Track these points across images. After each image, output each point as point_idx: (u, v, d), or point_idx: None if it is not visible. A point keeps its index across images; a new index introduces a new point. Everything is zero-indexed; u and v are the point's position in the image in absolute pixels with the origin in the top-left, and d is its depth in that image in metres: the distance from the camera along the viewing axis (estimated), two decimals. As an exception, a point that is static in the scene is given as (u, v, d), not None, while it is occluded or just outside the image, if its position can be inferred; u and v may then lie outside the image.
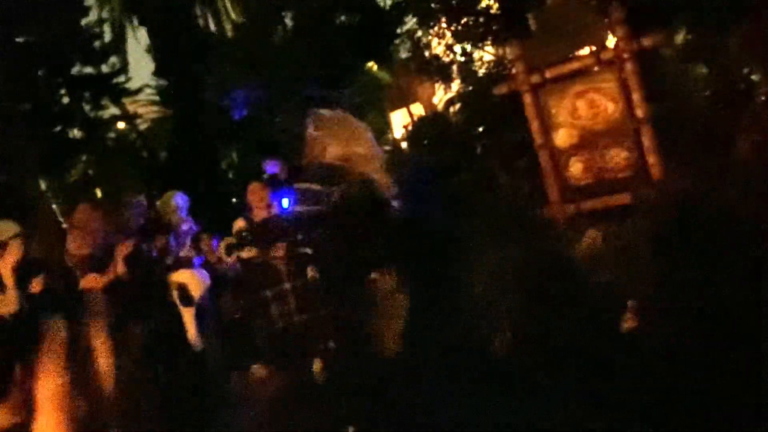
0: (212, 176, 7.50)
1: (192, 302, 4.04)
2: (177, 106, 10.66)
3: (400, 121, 6.68)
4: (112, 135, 11.37)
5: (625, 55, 3.93)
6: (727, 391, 2.29)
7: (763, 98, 3.23)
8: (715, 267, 2.88)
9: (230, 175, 7.57)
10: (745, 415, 2.20)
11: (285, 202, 4.38)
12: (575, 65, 4.14)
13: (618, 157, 3.86)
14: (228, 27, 8.47)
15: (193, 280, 4.11)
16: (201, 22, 9.92)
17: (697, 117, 3.61)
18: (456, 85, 6.28)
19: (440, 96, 6.70)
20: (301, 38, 6.54)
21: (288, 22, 6.64)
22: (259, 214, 4.24)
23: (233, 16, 8.42)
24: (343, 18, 6.63)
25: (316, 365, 4.14)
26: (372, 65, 7.22)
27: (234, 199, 7.01)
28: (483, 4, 6.00)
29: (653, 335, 2.64)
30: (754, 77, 3.39)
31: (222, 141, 8.48)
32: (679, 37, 3.71)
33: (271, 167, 4.85)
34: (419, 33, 6.42)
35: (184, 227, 4.31)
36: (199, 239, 4.67)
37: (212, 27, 9.77)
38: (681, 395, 2.31)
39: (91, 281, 3.52)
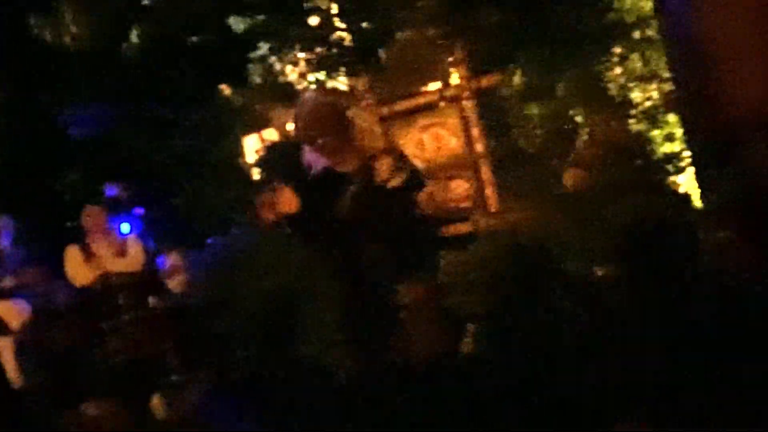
0: (46, 199, 6.98)
1: (7, 333, 3.71)
2: (10, 122, 9.88)
3: (252, 146, 6.59)
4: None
5: (467, 93, 4.19)
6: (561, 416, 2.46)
7: (586, 137, 3.55)
8: (546, 291, 3.10)
9: (66, 198, 7.09)
10: None
11: (125, 227, 4.18)
12: (421, 100, 4.35)
13: (459, 188, 4.08)
14: (68, 40, 7.99)
15: (9, 310, 3.78)
16: (36, 32, 9.29)
17: (531, 153, 3.88)
18: (309, 112, 6.32)
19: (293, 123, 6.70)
20: (150, 56, 6.29)
21: (135, 38, 6.37)
22: (96, 240, 4.02)
23: (74, 29, 7.93)
24: (194, 39, 6.47)
25: (156, 401, 3.95)
26: (224, 88, 7.08)
27: (69, 224, 6.55)
28: (336, 36, 6.13)
29: (487, 359, 2.78)
30: (578, 119, 3.71)
31: (59, 161, 7.93)
32: (517, 79, 3.98)
33: (110, 189, 4.61)
34: (273, 59, 6.42)
35: (10, 253, 3.99)
36: (27, 266, 4.32)
37: (50, 39, 9.18)
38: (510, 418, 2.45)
39: None
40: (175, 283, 4.21)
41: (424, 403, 2.72)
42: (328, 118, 3.10)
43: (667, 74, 3.94)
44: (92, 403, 4.28)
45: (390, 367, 2.81)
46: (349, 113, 3.28)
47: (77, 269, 4.03)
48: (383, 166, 3.14)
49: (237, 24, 6.37)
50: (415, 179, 3.19)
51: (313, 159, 3.31)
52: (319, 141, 2.99)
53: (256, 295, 3.95)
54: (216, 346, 4.28)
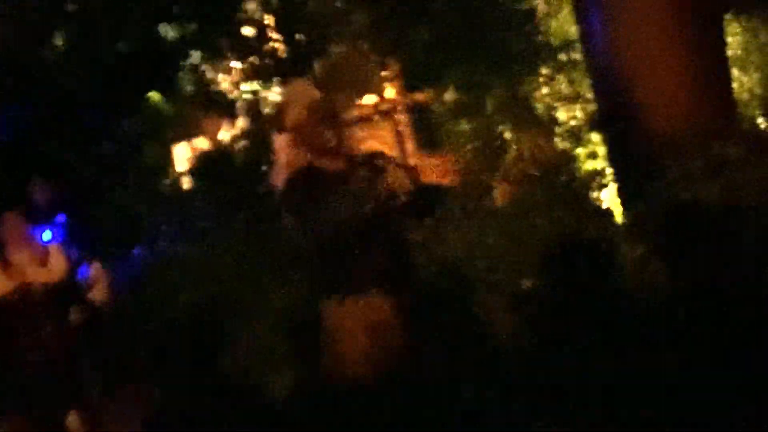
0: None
1: None
2: None
3: (182, 155, 6.48)
4: None
5: (400, 107, 4.27)
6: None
7: (514, 154, 3.68)
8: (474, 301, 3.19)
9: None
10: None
11: (46, 235, 4.01)
12: (356, 113, 4.40)
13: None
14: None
15: None
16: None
17: (462, 167, 3.97)
18: (241, 122, 6.27)
19: (226, 132, 6.63)
20: (75, 60, 6.10)
21: (59, 42, 6.18)
22: (15, 249, 3.83)
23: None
24: (122, 45, 6.32)
25: (71, 418, 3.80)
26: (154, 96, 6.93)
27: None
28: (270, 46, 6.11)
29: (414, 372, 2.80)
30: (507, 135, 3.84)
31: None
32: (448, 95, 4.09)
33: (38, 193, 4.43)
34: (205, 67, 6.34)
35: None
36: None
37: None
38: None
39: None
40: (97, 295, 4.07)
41: (354, 422, 2.73)
42: (326, 111, 2.94)
43: (590, 95, 4.12)
44: (4, 420, 4.08)
45: (321, 384, 2.81)
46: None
47: (-6, 279, 3.82)
48: (396, 180, 2.97)
49: (167, 32, 6.27)
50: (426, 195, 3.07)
51: (289, 151, 3.09)
52: (311, 134, 2.77)
53: (182, 308, 3.88)
54: (139, 361, 4.17)
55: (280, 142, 3.34)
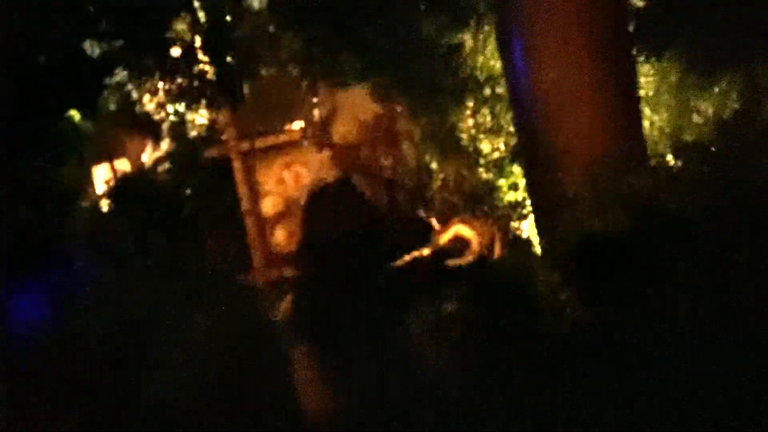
0: None
1: None
2: None
3: (102, 176, 6.29)
4: None
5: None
6: None
7: (437, 184, 3.76)
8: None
9: None
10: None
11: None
12: (283, 138, 4.40)
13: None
14: None
15: None
16: None
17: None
18: (166, 144, 6.15)
19: (149, 153, 6.49)
20: (-9, 74, 5.87)
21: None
22: None
23: None
24: (42, 59, 6.12)
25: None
26: (74, 114, 6.72)
27: None
28: (198, 67, 6.05)
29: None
30: (432, 165, 3.92)
31: None
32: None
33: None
34: (129, 86, 6.20)
35: None
36: None
37: None
38: None
39: None
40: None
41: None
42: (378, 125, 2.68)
43: (512, 128, 4.26)
44: None
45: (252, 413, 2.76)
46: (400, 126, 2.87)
47: None
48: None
49: (93, 48, 6.13)
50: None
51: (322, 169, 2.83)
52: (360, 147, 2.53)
53: (100, 330, 3.73)
54: (55, 386, 3.98)
55: (316, 159, 3.07)
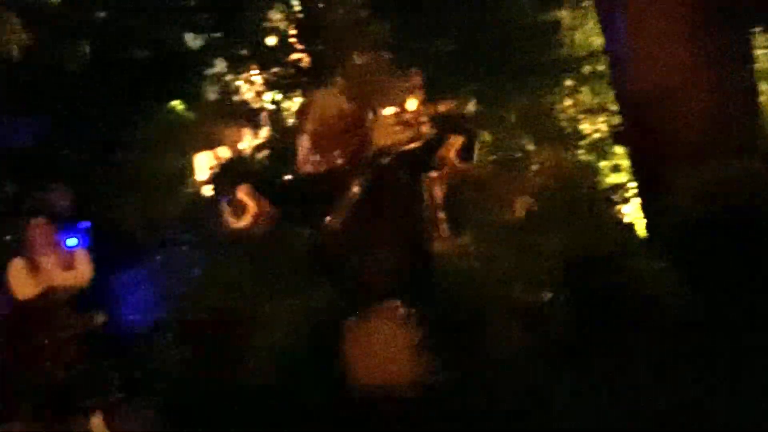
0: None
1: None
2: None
3: (203, 164, 6.52)
4: None
5: (422, 119, 4.24)
6: None
7: (535, 167, 3.63)
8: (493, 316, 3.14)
9: (3, 210, 6.87)
10: None
11: (71, 241, 4.06)
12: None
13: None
14: (15, 48, 7.79)
15: None
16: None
17: (482, 180, 3.94)
18: (264, 132, 6.30)
19: (247, 141, 6.66)
20: (98, 70, 6.18)
21: (84, 51, 6.28)
22: (42, 253, 3.89)
23: (22, 37, 7.73)
24: (146, 53, 6.40)
25: (95, 420, 3.83)
26: (176, 104, 7.00)
27: (8, 237, 6.33)
28: (293, 57, 6.15)
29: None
30: (529, 147, 3.80)
31: (-1, 172, 7.70)
32: (471, 107, 4.05)
33: (60, 199, 4.48)
34: (228, 77, 6.39)
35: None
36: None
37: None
38: None
39: None
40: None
41: None
42: (345, 116, 2.93)
43: (614, 107, 4.07)
44: (18, 423, 4.11)
45: (348, 395, 2.78)
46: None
47: (22, 283, 3.86)
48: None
49: (192, 41, 6.35)
50: None
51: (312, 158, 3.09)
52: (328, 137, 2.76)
53: (202, 315, 3.88)
54: (160, 367, 4.18)
55: (302, 144, 3.35)
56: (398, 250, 2.88)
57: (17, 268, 4.02)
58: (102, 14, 6.11)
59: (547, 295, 3.05)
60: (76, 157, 6.07)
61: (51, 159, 6.05)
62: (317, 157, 2.97)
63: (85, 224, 4.51)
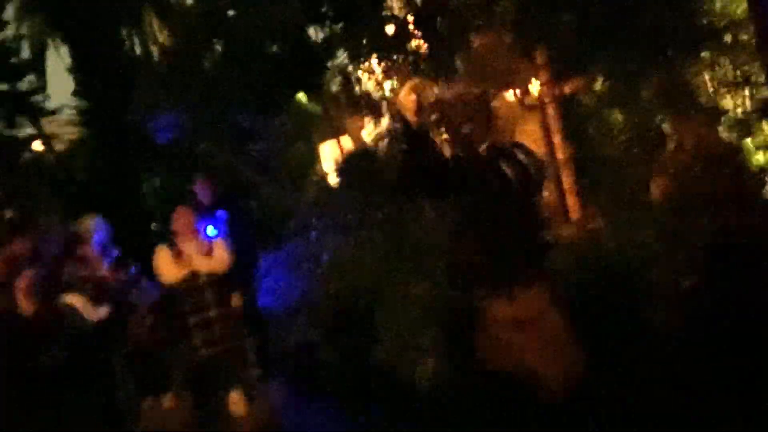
0: (132, 201, 7.26)
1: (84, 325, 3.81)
2: (97, 127, 10.35)
3: (329, 153, 6.68)
4: (27, 155, 10.90)
5: (548, 100, 4.11)
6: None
7: (672, 146, 3.42)
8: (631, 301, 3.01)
9: (150, 201, 7.39)
10: None
11: (210, 230, 4.30)
12: (501, 107, 4.29)
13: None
14: (155, 50, 8.34)
15: (84, 302, 3.86)
16: (127, 43, 9.72)
17: (614, 161, 3.78)
18: (385, 120, 6.35)
19: (369, 130, 6.75)
20: (231, 65, 6.49)
21: (218, 48, 6.60)
22: (185, 241, 4.15)
23: (161, 39, 8.27)
24: (274, 48, 6.63)
25: (235, 396, 4.06)
26: (301, 96, 7.21)
27: (153, 225, 6.83)
28: (413, 44, 6.14)
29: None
30: (665, 126, 3.58)
31: (144, 165, 8.27)
32: (598, 85, 3.89)
33: (201, 190, 4.75)
34: (350, 67, 6.49)
35: (98, 252, 4.16)
36: (116, 266, 4.49)
37: (138, 49, 9.59)
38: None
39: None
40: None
41: (500, 415, 2.67)
42: (476, 107, 2.95)
43: (761, 79, 3.76)
44: (170, 396, 4.42)
45: (472, 375, 2.76)
46: (494, 103, 3.15)
47: (167, 267, 4.16)
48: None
49: (316, 34, 6.49)
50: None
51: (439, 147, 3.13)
52: (464, 129, 2.79)
53: (334, 297, 4.01)
54: (294, 346, 4.36)
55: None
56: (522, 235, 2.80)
57: (162, 254, 4.34)
58: (231, 12, 6.41)
59: (690, 281, 2.88)
60: (215, 150, 6.44)
61: (192, 152, 6.45)
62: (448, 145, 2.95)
63: (224, 214, 4.78)
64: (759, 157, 3.74)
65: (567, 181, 4.01)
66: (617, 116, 3.94)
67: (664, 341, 2.74)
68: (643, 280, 3.01)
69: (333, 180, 5.91)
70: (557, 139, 4.04)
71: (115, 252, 4.38)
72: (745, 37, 4.19)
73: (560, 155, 4.05)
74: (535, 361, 2.40)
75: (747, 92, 4.28)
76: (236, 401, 4.05)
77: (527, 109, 4.22)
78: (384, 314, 3.70)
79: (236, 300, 4.20)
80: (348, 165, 5.59)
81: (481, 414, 2.65)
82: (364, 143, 6.40)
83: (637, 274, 3.03)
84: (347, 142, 6.75)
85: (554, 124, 4.06)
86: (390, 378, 3.42)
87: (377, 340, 3.59)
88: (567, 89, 4.07)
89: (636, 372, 2.63)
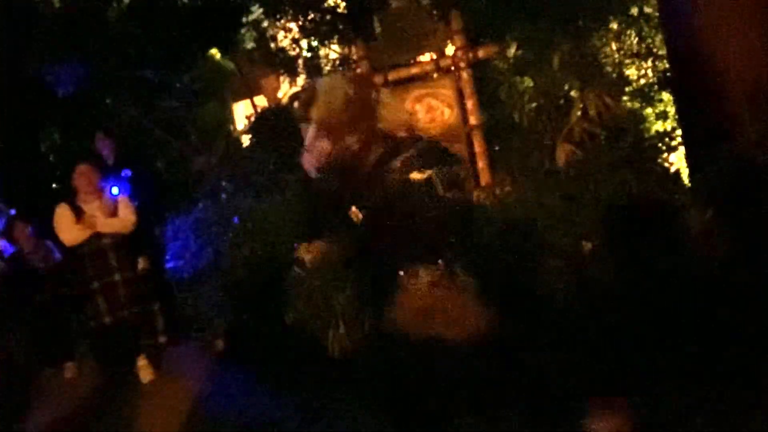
0: (30, 158, 6.85)
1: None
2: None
3: (242, 113, 6.53)
4: None
5: (462, 64, 4.14)
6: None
7: (578, 113, 3.53)
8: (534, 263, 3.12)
9: (51, 158, 7.01)
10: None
11: (114, 190, 4.12)
12: (415, 70, 4.29)
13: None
14: (56, 1, 7.82)
15: None
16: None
17: (524, 127, 3.85)
18: (301, 79, 6.25)
19: (285, 89, 6.63)
20: (138, 17, 6.17)
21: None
22: (87, 200, 3.95)
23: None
24: (185, 1, 6.35)
25: (142, 361, 3.96)
26: (214, 52, 6.97)
27: (54, 185, 6.48)
28: (330, 2, 6.04)
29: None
30: (573, 93, 3.68)
31: (43, 120, 7.80)
32: (511, 51, 3.94)
33: (104, 147, 4.52)
34: (265, 24, 6.32)
35: (-6, 212, 3.93)
36: (11, 226, 4.26)
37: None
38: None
39: None
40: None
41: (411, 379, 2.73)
42: (352, 101, 2.95)
43: (662, 51, 3.92)
44: (72, 365, 4.27)
45: (384, 339, 2.81)
46: (375, 96, 3.15)
47: (68, 228, 3.93)
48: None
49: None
50: (447, 167, 3.07)
51: (320, 144, 3.14)
52: (337, 123, 2.79)
53: (244, 259, 3.94)
54: (203, 310, 4.28)
55: (309, 132, 3.38)
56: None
57: (63, 214, 4.11)
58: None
59: (591, 244, 3.00)
60: (118, 106, 6.13)
61: (95, 107, 6.11)
62: (327, 144, 2.96)
63: (127, 172, 4.58)
64: (657, 126, 3.92)
65: (478, 145, 4.08)
66: (528, 83, 4.02)
67: (565, 298, 2.86)
68: (547, 241, 3.11)
69: (245, 140, 5.79)
70: (470, 103, 4.09)
71: (12, 211, 4.14)
72: (649, 10, 4.35)
73: (473, 120, 4.11)
74: (445, 323, 2.46)
75: (649, 63, 4.47)
76: (144, 368, 3.93)
77: (442, 72, 4.25)
78: (295, 278, 3.67)
79: (142, 263, 4.01)
80: (261, 124, 5.47)
81: (390, 376, 2.70)
82: (279, 102, 6.28)
83: (542, 236, 3.13)
84: (262, 102, 6.61)
85: (468, 89, 4.11)
86: (302, 342, 3.42)
87: (288, 305, 3.56)
88: (481, 54, 4.11)
89: (536, 326, 2.73)
